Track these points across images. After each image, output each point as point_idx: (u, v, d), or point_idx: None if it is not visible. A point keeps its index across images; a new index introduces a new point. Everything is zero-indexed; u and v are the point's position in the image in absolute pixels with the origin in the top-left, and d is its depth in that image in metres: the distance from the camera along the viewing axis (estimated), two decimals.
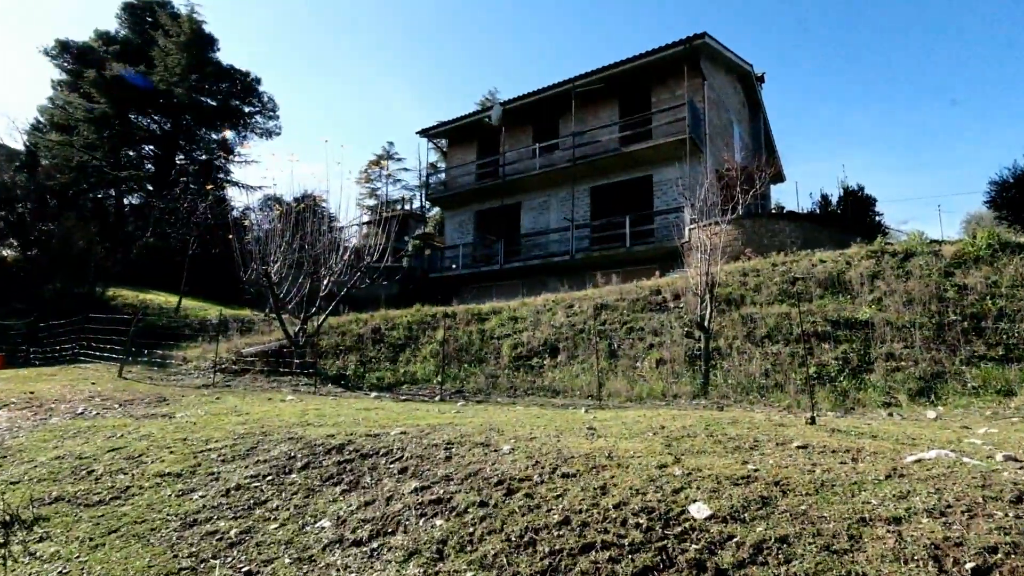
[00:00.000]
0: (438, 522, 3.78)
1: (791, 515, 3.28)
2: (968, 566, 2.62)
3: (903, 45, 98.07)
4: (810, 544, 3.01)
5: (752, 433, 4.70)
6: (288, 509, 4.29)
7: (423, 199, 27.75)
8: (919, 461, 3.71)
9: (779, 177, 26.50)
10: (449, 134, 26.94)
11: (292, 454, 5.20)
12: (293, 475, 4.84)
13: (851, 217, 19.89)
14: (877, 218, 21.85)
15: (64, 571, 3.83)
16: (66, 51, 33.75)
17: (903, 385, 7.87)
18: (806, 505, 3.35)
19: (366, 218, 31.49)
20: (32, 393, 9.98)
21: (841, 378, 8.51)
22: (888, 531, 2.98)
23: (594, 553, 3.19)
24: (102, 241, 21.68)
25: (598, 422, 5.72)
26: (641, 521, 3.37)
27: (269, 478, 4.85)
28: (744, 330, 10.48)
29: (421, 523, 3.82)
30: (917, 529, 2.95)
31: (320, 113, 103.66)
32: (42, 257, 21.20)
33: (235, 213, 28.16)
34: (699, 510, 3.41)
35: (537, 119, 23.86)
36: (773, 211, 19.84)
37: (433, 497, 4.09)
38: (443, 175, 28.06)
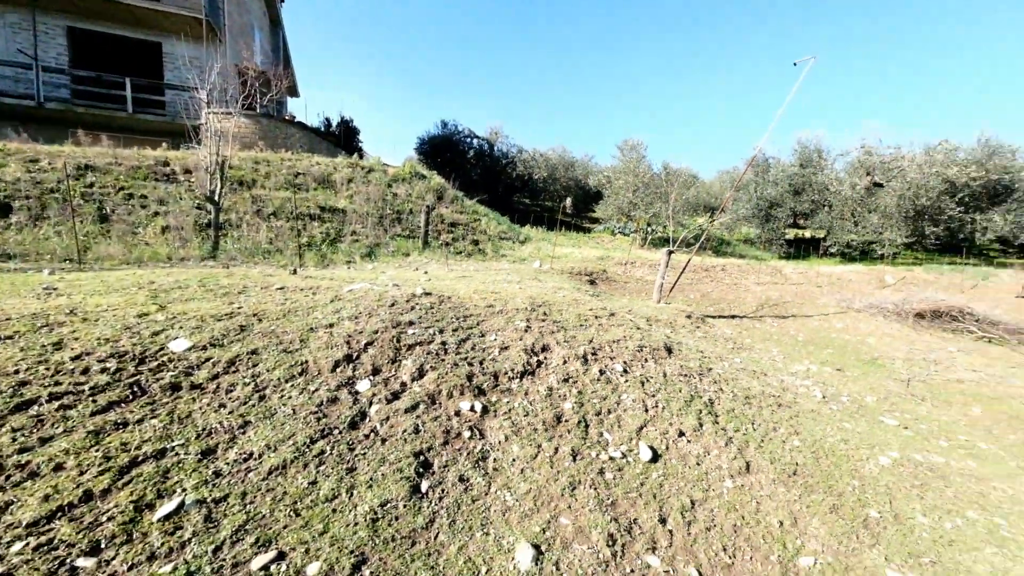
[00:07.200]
0: None
1: (263, 334, 3.21)
2: (363, 342, 3.23)
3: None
4: (273, 350, 3.03)
5: (243, 282, 4.27)
6: None
7: None
8: (351, 291, 4.26)
9: (294, 91, 23.67)
10: None
11: None
12: None
13: (343, 138, 20.20)
14: (360, 143, 23.14)
15: None
16: None
17: (358, 250, 8.92)
18: (275, 326, 3.33)
19: None
20: None
21: (323, 246, 8.82)
22: (325, 332, 3.33)
23: (36, 407, 2.19)
24: None
25: (66, 283, 3.87)
26: (109, 365, 2.55)
27: None
28: (254, 207, 9.26)
29: None
30: (342, 328, 3.41)
31: None
32: None
33: None
34: (179, 344, 2.86)
35: None
36: (287, 118, 17.72)
37: None
38: None
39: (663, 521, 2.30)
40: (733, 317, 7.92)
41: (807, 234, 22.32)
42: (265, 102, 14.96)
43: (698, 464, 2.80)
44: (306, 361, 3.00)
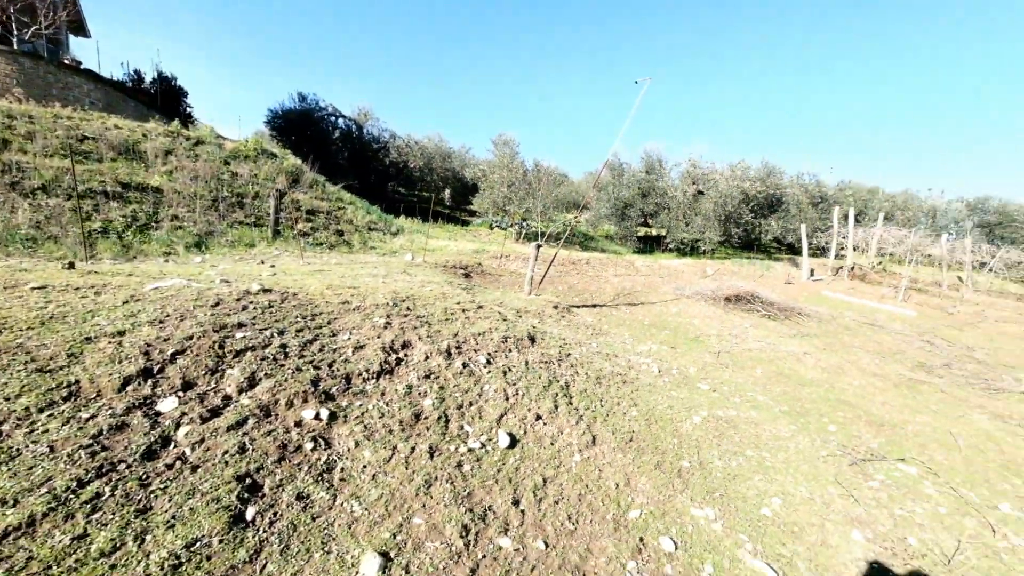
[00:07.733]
0: None
1: (1, 351, 2.37)
2: (169, 351, 2.66)
3: None
4: (19, 371, 2.29)
5: None
6: None
7: None
8: (157, 288, 3.49)
9: (80, 29, 18.01)
10: None
11: None
12: None
13: (161, 98, 16.38)
14: (189, 108, 19.02)
15: None
16: None
17: (182, 240, 7.39)
18: (24, 339, 2.52)
19: None
20: None
21: (128, 233, 7.06)
22: (110, 342, 2.65)
23: None
24: None
25: None
26: None
27: None
28: (7, 179, 6.92)
29: None
30: (137, 336, 2.76)
31: None
32: None
33: None
34: None
35: None
36: (68, 62, 13.53)
37: None
38: None
39: (516, 503, 2.44)
40: (594, 306, 8.89)
41: (653, 232, 26.37)
42: (28, 36, 11.25)
43: (552, 444, 3.06)
44: (76, 381, 2.32)
